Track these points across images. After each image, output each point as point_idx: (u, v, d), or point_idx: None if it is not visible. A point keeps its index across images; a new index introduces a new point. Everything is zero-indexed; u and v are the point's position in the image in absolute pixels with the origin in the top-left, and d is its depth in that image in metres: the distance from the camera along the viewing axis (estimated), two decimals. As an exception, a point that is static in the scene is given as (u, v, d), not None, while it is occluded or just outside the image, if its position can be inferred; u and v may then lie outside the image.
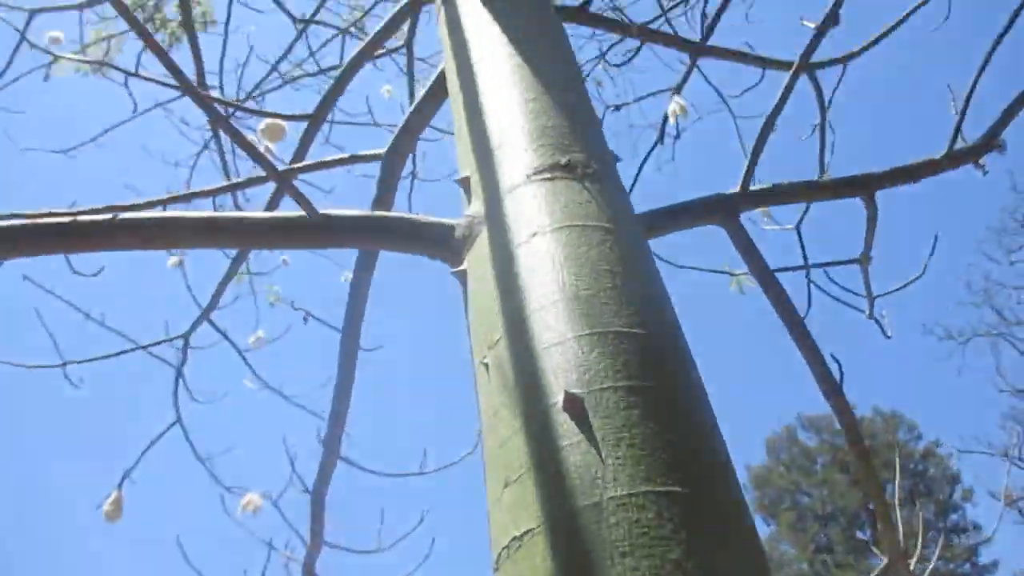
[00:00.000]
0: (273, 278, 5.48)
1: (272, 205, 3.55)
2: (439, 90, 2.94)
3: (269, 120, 4.81)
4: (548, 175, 1.89)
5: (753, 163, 2.11)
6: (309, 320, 3.80)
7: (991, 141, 2.18)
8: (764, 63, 3.21)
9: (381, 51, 3.86)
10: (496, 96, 2.18)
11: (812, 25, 2.44)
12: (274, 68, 5.60)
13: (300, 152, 3.53)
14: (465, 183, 2.10)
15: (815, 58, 3.20)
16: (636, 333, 1.53)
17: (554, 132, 2.01)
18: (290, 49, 5.23)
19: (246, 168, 5.98)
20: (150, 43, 1.98)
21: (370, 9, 5.83)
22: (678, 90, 4.70)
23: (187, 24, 4.94)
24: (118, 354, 4.52)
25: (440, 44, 2.69)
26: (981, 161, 2.19)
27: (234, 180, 5.59)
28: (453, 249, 1.98)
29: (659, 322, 1.60)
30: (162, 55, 2.01)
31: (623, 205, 1.89)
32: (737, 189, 2.08)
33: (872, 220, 2.27)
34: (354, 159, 2.93)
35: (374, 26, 5.98)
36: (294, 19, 5.03)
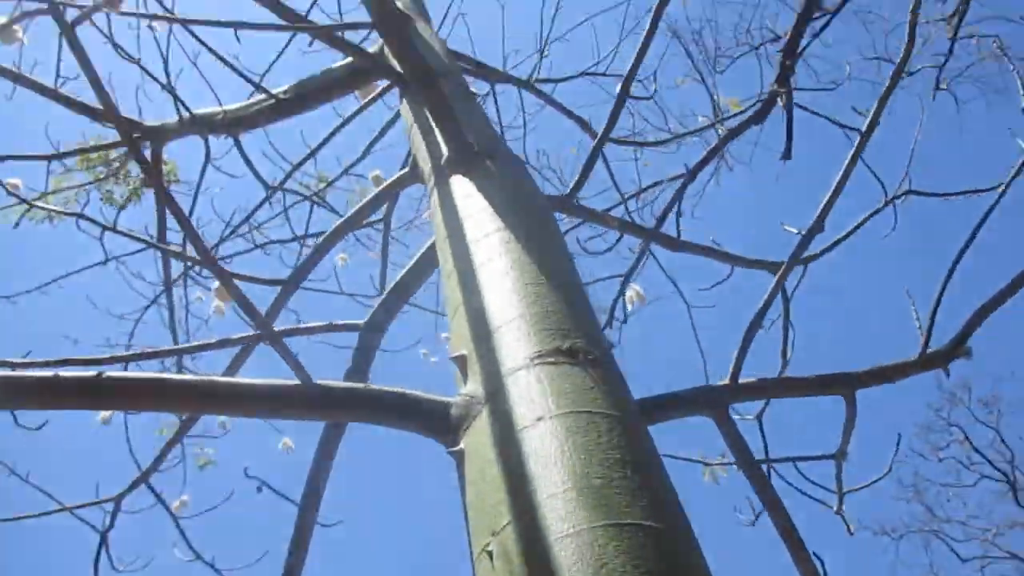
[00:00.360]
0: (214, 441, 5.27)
1: (235, 367, 3.49)
2: (422, 267, 3.00)
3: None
4: (551, 360, 1.91)
5: (741, 358, 2.19)
6: (254, 489, 3.62)
7: (957, 348, 2.31)
8: (732, 260, 3.38)
9: (361, 224, 3.96)
10: (494, 278, 2.23)
11: (795, 231, 2.61)
12: (235, 229, 5.67)
13: (270, 315, 3.50)
14: (461, 362, 2.11)
15: (777, 257, 3.40)
16: (651, 526, 1.51)
17: (554, 317, 2.05)
18: (255, 211, 5.31)
19: (194, 327, 5.87)
20: (158, 186, 2.00)
21: (333, 181, 6.01)
22: (627, 277, 4.88)
23: (157, 182, 4.97)
24: (40, 515, 4.25)
25: (431, 223, 2.77)
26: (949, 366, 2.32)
27: (182, 340, 5.49)
28: (449, 428, 1.96)
29: (671, 514, 1.59)
30: (171, 204, 2.03)
31: (624, 393, 1.92)
32: (727, 382, 2.14)
33: (851, 418, 2.35)
34: (332, 328, 2.93)
35: (337, 196, 6.15)
36: (266, 185, 5.13)
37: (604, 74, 5.75)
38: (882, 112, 2.52)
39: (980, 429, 14.45)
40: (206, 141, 4.96)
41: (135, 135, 5.02)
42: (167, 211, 5.36)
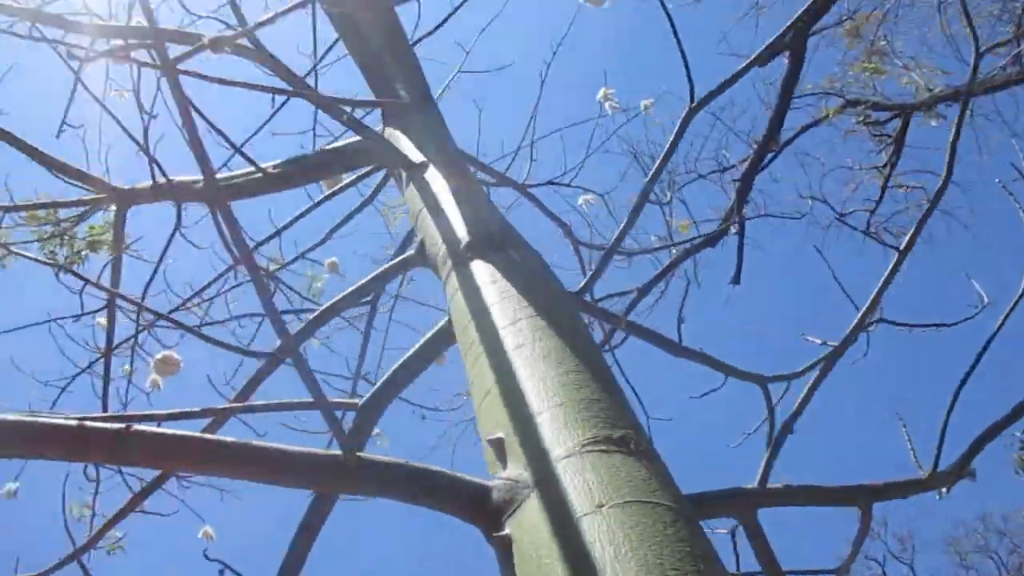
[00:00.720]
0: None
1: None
2: (426, 354, 2.96)
3: (165, 353, 4.62)
4: (603, 447, 1.89)
5: (769, 464, 2.21)
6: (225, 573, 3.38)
7: (963, 469, 2.39)
8: (726, 369, 3.44)
9: (357, 303, 3.90)
10: (531, 363, 2.21)
11: (820, 341, 2.70)
12: (190, 298, 5.53)
13: (250, 387, 3.38)
14: (497, 445, 2.06)
15: (768, 372, 3.48)
16: (732, 622, 1.48)
17: (599, 405, 2.04)
18: (217, 279, 5.20)
19: (130, 394, 5.61)
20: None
21: (290, 263, 5.96)
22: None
23: (118, 246, 4.82)
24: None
25: (449, 306, 2.75)
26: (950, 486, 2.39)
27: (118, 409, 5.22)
28: (489, 513, 1.89)
29: (744, 613, 1.56)
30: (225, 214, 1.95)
31: (675, 486, 1.90)
32: (755, 485, 2.15)
33: (864, 531, 2.37)
34: (333, 403, 2.83)
35: (287, 274, 6.09)
36: (235, 258, 5.01)
37: (568, 185, 5.97)
38: (920, 233, 2.68)
39: (895, 565, 14.81)
40: (179, 209, 4.85)
41: (102, 195, 4.88)
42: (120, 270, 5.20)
